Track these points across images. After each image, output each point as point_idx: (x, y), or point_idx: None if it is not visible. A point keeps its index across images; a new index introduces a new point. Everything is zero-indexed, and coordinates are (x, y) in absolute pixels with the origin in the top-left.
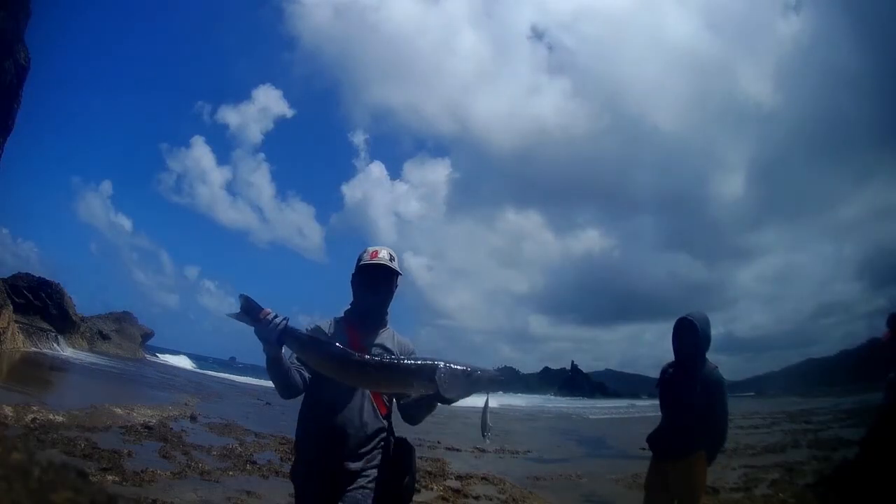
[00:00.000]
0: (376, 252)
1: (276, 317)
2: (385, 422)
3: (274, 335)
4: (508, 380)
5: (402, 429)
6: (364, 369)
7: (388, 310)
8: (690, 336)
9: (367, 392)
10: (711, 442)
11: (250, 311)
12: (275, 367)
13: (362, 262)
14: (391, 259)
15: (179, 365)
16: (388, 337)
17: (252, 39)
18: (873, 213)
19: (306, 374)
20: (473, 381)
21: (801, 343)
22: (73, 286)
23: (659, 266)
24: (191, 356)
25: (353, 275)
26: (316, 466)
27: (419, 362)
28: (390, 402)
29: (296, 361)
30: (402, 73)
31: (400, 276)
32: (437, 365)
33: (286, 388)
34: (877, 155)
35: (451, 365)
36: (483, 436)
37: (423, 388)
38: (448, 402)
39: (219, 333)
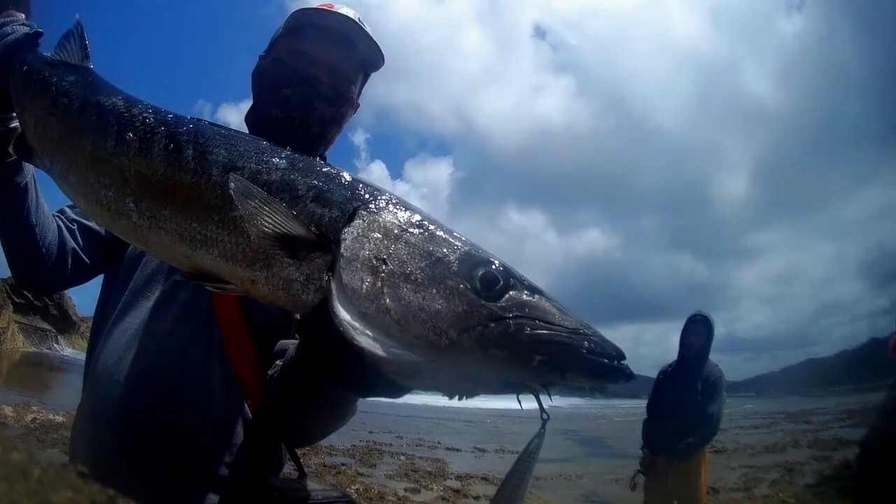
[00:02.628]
0: (331, 4)
1: (15, 23)
2: (257, 429)
3: None
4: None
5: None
6: (174, 157)
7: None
8: (705, 330)
9: (221, 350)
10: (702, 434)
11: None
12: None
13: (301, 12)
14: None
15: None
16: None
17: (253, 37)
18: (876, 212)
19: (94, 242)
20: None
21: (801, 343)
22: None
23: (661, 266)
24: None
25: (270, 46)
26: None
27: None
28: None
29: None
30: (405, 71)
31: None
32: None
33: (17, 235)
34: (880, 154)
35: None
36: None
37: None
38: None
39: None
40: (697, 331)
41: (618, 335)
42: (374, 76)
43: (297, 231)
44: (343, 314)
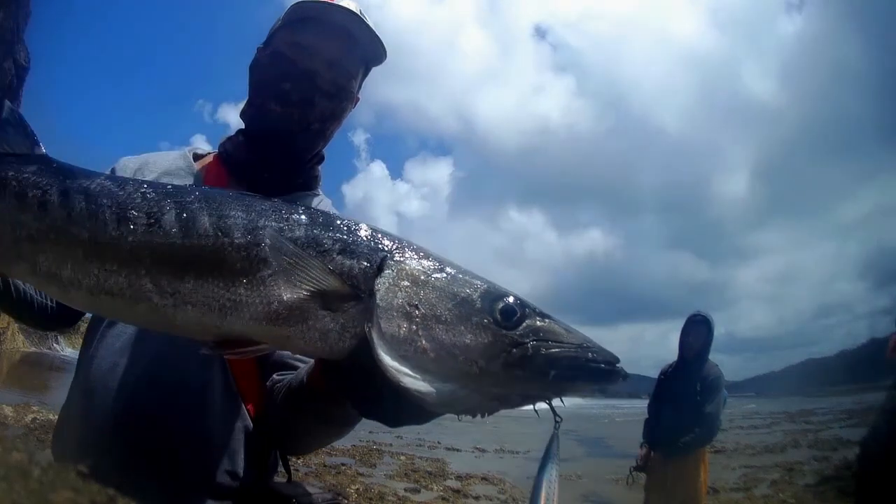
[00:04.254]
0: None
1: None
2: (256, 436)
3: None
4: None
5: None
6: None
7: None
8: (704, 330)
9: (223, 365)
10: (701, 433)
11: None
12: None
13: (301, 4)
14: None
15: None
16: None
17: (253, 37)
18: (876, 212)
19: None
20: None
21: (801, 343)
22: None
23: (661, 266)
24: None
25: (269, 38)
26: None
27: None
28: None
29: None
30: (405, 71)
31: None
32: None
33: None
34: (880, 154)
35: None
36: None
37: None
38: (367, 405)
39: None
40: (697, 331)
41: (618, 335)
42: (374, 76)
43: (333, 285)
44: (387, 360)
